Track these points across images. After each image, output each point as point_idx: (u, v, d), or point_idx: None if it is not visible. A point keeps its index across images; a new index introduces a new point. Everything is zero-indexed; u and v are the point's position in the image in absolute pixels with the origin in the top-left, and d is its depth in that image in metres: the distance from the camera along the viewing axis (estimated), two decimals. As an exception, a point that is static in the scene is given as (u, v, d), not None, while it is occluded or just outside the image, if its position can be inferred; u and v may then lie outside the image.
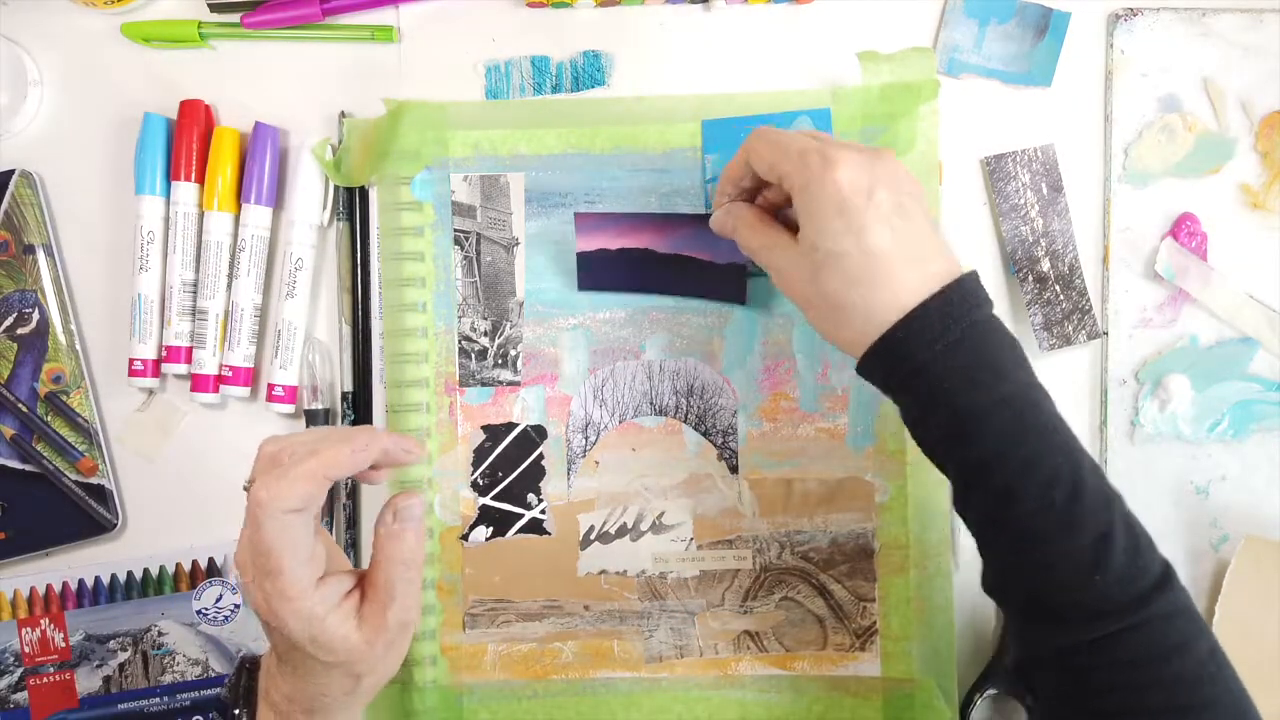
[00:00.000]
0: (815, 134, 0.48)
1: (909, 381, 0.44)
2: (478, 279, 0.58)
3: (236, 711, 0.46)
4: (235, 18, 0.58)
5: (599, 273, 0.56)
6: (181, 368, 0.58)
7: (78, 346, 0.59)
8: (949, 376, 0.43)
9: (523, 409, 0.59)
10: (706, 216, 0.53)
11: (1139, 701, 0.41)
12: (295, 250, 0.58)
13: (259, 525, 0.40)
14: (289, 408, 0.59)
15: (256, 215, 0.58)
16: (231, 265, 0.58)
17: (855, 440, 0.58)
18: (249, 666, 0.47)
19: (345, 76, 0.59)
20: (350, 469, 0.42)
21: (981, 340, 0.44)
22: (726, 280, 0.56)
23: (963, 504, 0.46)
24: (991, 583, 0.46)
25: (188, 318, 0.58)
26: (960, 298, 0.44)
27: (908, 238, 0.44)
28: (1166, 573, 0.43)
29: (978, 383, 0.43)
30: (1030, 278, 0.58)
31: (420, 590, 0.46)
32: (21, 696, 0.59)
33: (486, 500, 0.58)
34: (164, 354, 0.59)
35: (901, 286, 0.43)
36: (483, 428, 0.58)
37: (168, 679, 0.59)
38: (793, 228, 0.47)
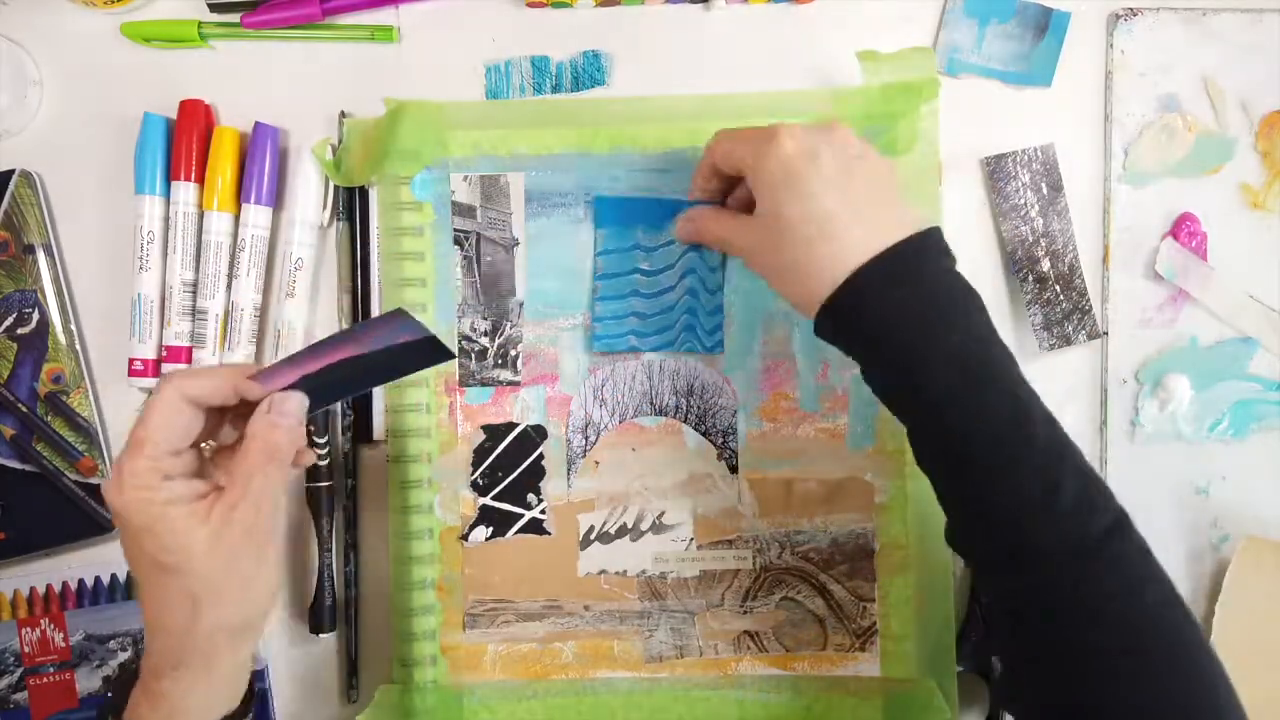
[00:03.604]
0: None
1: (857, 336, 0.46)
2: (478, 279, 0.58)
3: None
4: (235, 18, 0.58)
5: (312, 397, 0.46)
6: (181, 368, 0.58)
7: (78, 346, 0.59)
8: (895, 330, 0.44)
9: (523, 409, 0.59)
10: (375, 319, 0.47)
11: (1083, 643, 0.42)
12: (295, 250, 0.58)
13: (151, 405, 0.42)
14: (289, 408, 0.58)
15: (256, 215, 0.58)
16: (231, 265, 0.58)
17: (855, 440, 0.58)
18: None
19: (345, 76, 0.59)
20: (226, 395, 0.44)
21: (930, 294, 0.45)
22: (424, 350, 0.47)
23: (917, 456, 0.47)
24: (949, 533, 0.47)
25: (188, 318, 0.58)
26: (912, 252, 0.45)
27: (854, 197, 0.46)
28: (1119, 521, 0.43)
29: (924, 336, 0.44)
30: (1030, 278, 0.58)
31: (274, 507, 0.43)
32: (21, 696, 0.59)
33: (486, 500, 0.58)
34: (164, 354, 0.58)
35: (850, 244, 0.45)
36: (483, 428, 0.58)
37: (168, 679, 0.59)
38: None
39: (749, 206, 0.51)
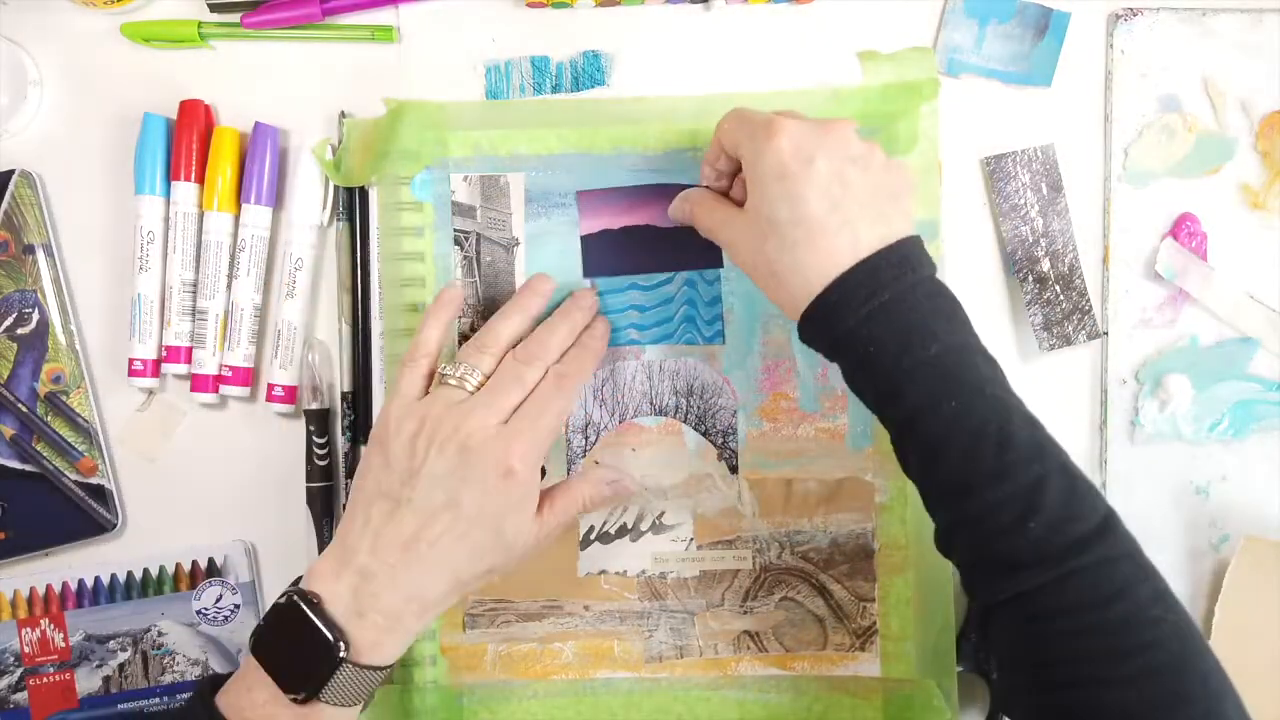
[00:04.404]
0: (786, 111, 0.49)
1: (837, 344, 0.46)
2: (478, 279, 0.58)
3: (338, 646, 0.46)
4: (235, 18, 0.58)
5: (603, 256, 0.56)
6: (181, 368, 0.58)
7: (78, 346, 0.59)
8: (874, 340, 0.45)
9: (523, 409, 0.58)
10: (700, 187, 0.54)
11: (1079, 647, 0.42)
12: (295, 250, 0.58)
13: (560, 414, 0.50)
14: (289, 408, 0.59)
15: (256, 215, 0.58)
16: (231, 265, 0.59)
17: (855, 440, 0.58)
18: (305, 598, 0.47)
19: (345, 76, 0.59)
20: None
21: (911, 304, 0.45)
22: (707, 250, 0.56)
23: (903, 464, 0.47)
24: (939, 541, 0.47)
25: (187, 318, 0.58)
26: (894, 262, 0.45)
27: (845, 204, 0.45)
28: (1108, 520, 0.43)
29: (904, 345, 0.44)
30: (1030, 278, 0.58)
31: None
32: (21, 696, 0.59)
33: (486, 500, 0.58)
34: (164, 354, 0.59)
35: (835, 251, 0.45)
36: (483, 428, 0.58)
37: (168, 679, 0.59)
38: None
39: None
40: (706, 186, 0.54)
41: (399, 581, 0.47)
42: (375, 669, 0.47)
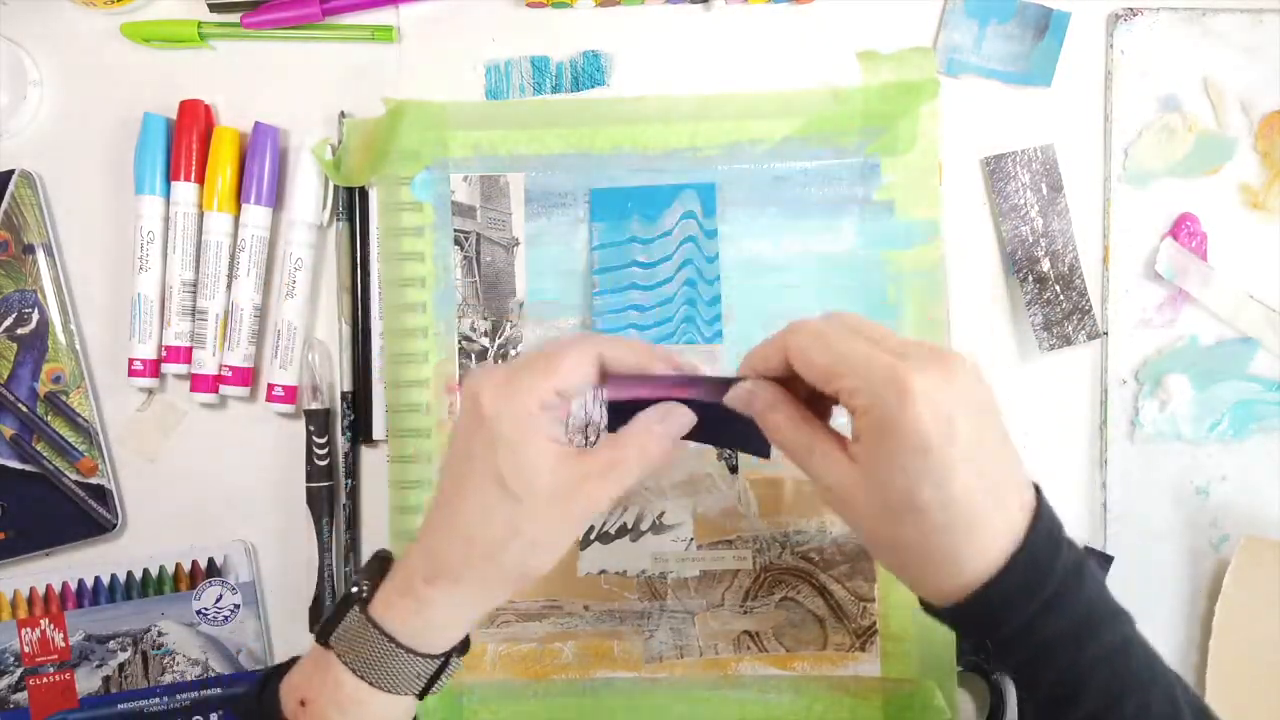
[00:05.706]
0: (873, 333, 0.41)
1: (1009, 643, 0.41)
2: (478, 279, 0.58)
3: (355, 589, 0.44)
4: (235, 18, 0.58)
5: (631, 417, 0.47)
6: (181, 368, 0.58)
7: (78, 346, 0.59)
8: (1046, 637, 0.40)
9: (523, 409, 0.58)
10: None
11: None
12: (295, 250, 0.58)
13: (568, 346, 0.43)
14: (289, 408, 0.59)
15: (256, 215, 0.58)
16: (231, 265, 0.59)
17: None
18: (384, 556, 0.46)
19: (345, 76, 0.59)
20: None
21: (1072, 589, 0.40)
22: (749, 429, 0.45)
23: None
24: None
25: (187, 318, 0.58)
26: (1045, 536, 0.40)
27: (990, 471, 0.39)
28: None
29: (1077, 640, 0.40)
30: (1030, 278, 0.58)
31: (609, 505, 0.45)
32: (21, 697, 0.59)
33: (486, 500, 0.58)
34: (164, 354, 0.59)
35: (989, 533, 0.39)
36: (483, 428, 0.58)
37: (168, 679, 0.59)
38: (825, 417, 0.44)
39: (813, 403, 0.43)
40: (766, 381, 0.43)
41: (422, 543, 0.45)
42: (389, 639, 0.43)
